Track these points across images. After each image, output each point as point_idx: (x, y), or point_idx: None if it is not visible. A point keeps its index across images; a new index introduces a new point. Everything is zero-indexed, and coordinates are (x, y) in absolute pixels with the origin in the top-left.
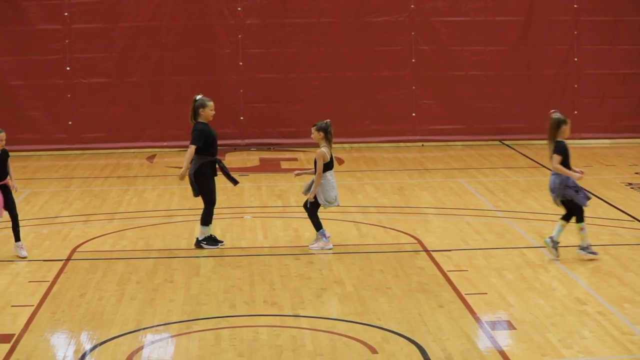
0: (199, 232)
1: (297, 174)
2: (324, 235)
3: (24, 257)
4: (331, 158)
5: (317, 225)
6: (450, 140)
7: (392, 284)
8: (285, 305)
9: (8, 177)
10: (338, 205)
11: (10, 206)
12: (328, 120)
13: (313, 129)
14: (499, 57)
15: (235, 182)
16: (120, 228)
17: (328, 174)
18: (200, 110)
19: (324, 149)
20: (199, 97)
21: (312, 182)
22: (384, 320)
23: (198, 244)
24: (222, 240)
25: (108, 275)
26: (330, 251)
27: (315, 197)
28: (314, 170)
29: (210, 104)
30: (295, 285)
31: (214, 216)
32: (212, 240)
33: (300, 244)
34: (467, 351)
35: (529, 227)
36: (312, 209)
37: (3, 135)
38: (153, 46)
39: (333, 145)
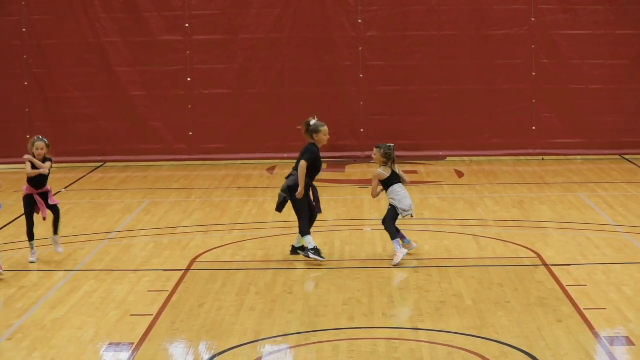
0: (304, 242)
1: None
2: (398, 244)
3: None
4: (394, 173)
5: (393, 235)
6: (570, 154)
7: (510, 298)
8: (404, 318)
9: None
10: (412, 216)
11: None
12: (392, 144)
13: (375, 150)
14: (620, 71)
15: (319, 210)
16: (240, 239)
17: (397, 186)
18: (314, 135)
19: (380, 170)
20: (312, 122)
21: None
22: (503, 334)
23: (306, 254)
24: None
25: (227, 285)
26: (449, 263)
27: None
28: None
29: (324, 129)
30: (414, 298)
31: (334, 228)
32: (317, 251)
33: (419, 256)
34: None
35: None
36: (388, 220)
37: (41, 144)
38: (274, 58)
39: (454, 158)
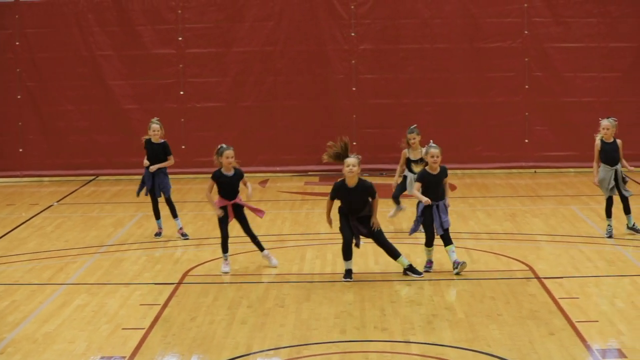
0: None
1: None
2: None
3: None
4: None
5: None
6: (562, 167)
7: (503, 311)
8: (396, 331)
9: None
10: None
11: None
12: None
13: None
14: (613, 84)
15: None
16: (232, 252)
17: None
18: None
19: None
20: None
21: None
22: (495, 347)
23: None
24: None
25: (219, 299)
26: (441, 276)
27: None
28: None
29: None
30: (406, 311)
31: (327, 241)
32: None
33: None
34: None
35: None
36: None
37: (230, 152)
38: (266, 71)
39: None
